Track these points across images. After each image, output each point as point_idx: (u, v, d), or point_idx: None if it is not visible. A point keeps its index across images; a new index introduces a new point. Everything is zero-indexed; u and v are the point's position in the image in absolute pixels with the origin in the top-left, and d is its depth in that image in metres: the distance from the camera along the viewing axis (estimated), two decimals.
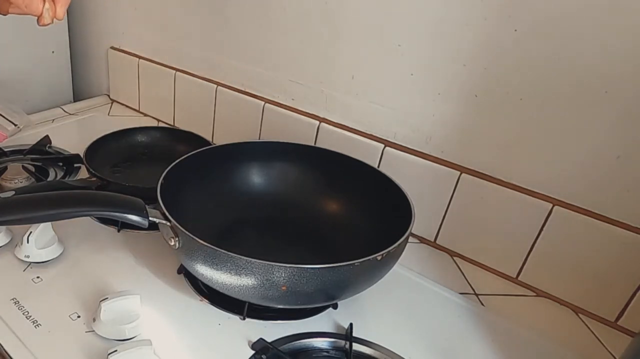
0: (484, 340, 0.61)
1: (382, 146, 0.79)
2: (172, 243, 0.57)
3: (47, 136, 0.96)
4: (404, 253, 0.59)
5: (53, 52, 1.19)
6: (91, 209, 0.56)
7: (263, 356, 0.55)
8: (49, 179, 0.86)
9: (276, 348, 0.55)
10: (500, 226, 0.71)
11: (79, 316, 0.59)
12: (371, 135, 0.81)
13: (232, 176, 0.76)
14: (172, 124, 1.12)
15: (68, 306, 0.60)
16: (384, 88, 0.77)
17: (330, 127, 0.85)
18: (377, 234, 0.65)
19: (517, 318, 0.65)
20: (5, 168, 0.86)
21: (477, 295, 0.70)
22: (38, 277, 0.64)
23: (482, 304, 0.68)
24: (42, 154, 0.93)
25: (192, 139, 0.91)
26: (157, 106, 1.15)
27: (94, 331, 0.56)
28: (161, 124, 1.14)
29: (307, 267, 0.51)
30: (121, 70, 1.19)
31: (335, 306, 0.63)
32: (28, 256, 0.65)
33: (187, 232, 0.54)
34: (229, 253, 0.52)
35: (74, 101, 1.26)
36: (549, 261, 0.68)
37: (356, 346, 0.57)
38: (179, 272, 0.67)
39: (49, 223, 0.66)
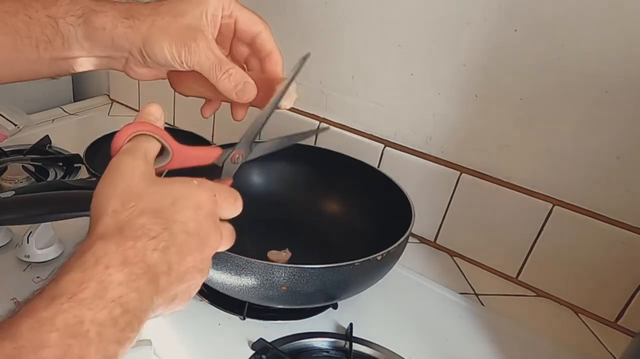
0: (484, 340, 0.61)
1: (382, 146, 0.79)
2: None
3: (47, 136, 0.96)
4: (404, 253, 0.59)
5: None
6: None
7: (263, 356, 0.55)
8: (49, 179, 0.86)
9: (276, 348, 0.55)
10: (500, 226, 0.71)
11: None
12: (371, 135, 0.81)
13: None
14: (172, 124, 1.12)
15: None
16: (384, 88, 0.77)
17: (330, 127, 0.85)
18: (377, 234, 0.65)
19: (517, 318, 0.65)
20: (5, 168, 0.86)
21: (477, 295, 0.70)
22: (38, 277, 0.64)
23: (482, 304, 0.68)
24: (42, 154, 0.93)
25: (192, 139, 0.91)
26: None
27: None
28: None
29: (307, 267, 0.51)
30: None
31: (335, 306, 0.63)
32: (28, 256, 0.65)
33: None
34: (229, 253, 0.51)
35: (74, 101, 1.26)
36: (549, 261, 0.68)
37: (356, 346, 0.57)
38: None
39: (49, 223, 0.66)
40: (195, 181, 0.36)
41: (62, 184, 0.79)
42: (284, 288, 0.52)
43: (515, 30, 0.62)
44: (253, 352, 0.55)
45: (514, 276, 0.72)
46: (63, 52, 0.44)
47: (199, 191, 0.35)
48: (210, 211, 0.36)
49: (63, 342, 0.26)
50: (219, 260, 0.53)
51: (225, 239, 0.38)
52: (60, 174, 0.88)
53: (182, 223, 0.33)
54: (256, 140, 0.42)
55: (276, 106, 0.42)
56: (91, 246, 0.30)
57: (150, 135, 0.36)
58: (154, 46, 0.42)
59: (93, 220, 0.32)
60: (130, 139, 0.35)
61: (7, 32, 0.42)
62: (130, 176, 0.33)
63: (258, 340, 0.56)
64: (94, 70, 0.46)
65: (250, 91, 0.43)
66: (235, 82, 0.42)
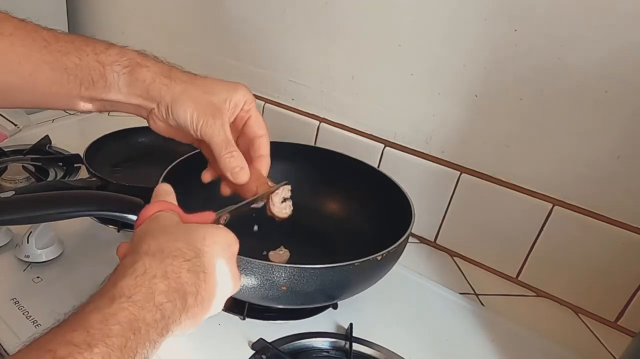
0: (484, 340, 0.61)
1: (382, 146, 0.79)
2: None
3: (47, 136, 0.96)
4: (404, 253, 0.59)
5: None
6: (91, 209, 0.56)
7: (263, 356, 0.55)
8: (49, 179, 0.86)
9: (276, 348, 0.55)
10: (500, 226, 0.71)
11: None
12: (371, 135, 0.81)
13: None
14: None
15: (68, 306, 0.59)
16: (384, 88, 0.77)
17: (330, 127, 0.85)
18: (377, 234, 0.65)
19: (517, 318, 0.65)
20: (5, 168, 0.86)
21: (477, 295, 0.70)
22: (38, 277, 0.64)
23: (482, 304, 0.68)
24: (42, 154, 0.93)
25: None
26: None
27: None
28: None
29: (307, 267, 0.51)
30: None
31: (335, 306, 0.63)
32: (28, 256, 0.65)
33: None
34: None
35: None
36: (549, 261, 0.68)
37: (356, 346, 0.57)
38: None
39: (49, 223, 0.66)
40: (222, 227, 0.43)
41: (62, 184, 0.80)
42: (284, 288, 0.52)
43: (515, 30, 0.62)
44: (253, 352, 0.55)
45: (514, 276, 0.72)
46: (102, 93, 0.49)
47: (228, 233, 0.42)
48: (235, 252, 0.42)
49: (124, 334, 0.31)
50: None
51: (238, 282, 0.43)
52: (60, 174, 0.88)
53: (212, 256, 0.39)
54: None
55: (253, 201, 0.50)
56: (138, 259, 0.36)
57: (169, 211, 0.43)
58: (179, 108, 0.48)
59: (136, 245, 0.38)
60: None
61: (57, 68, 0.46)
62: (167, 222, 0.40)
63: (258, 340, 0.56)
64: (122, 111, 0.52)
65: (244, 176, 0.50)
66: (235, 164, 0.49)
